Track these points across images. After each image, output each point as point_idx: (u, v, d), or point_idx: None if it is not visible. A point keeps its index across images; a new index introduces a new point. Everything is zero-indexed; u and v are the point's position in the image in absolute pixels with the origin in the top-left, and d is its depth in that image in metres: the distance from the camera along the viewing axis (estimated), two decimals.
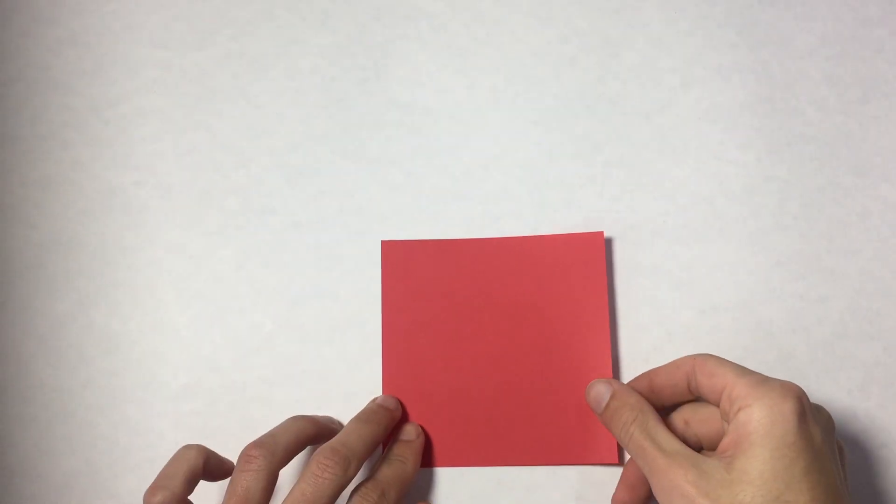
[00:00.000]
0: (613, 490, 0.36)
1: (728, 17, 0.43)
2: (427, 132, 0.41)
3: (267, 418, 0.37)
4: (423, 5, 0.43)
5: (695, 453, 0.31)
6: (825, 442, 0.30)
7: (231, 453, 0.36)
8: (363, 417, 0.35)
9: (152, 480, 0.32)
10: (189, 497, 0.32)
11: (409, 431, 0.37)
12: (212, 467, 0.34)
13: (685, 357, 0.34)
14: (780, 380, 0.31)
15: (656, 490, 0.31)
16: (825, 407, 0.33)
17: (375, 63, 0.42)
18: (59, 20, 0.42)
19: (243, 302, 0.39)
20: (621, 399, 0.34)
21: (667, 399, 0.35)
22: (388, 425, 0.36)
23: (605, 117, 0.42)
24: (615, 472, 0.37)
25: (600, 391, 0.35)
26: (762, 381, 0.31)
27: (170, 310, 0.38)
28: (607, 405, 0.35)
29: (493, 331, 0.38)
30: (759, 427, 0.30)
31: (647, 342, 0.38)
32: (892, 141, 0.42)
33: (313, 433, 0.35)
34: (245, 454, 0.32)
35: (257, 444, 0.33)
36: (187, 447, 0.33)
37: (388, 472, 0.34)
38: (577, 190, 0.40)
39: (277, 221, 0.40)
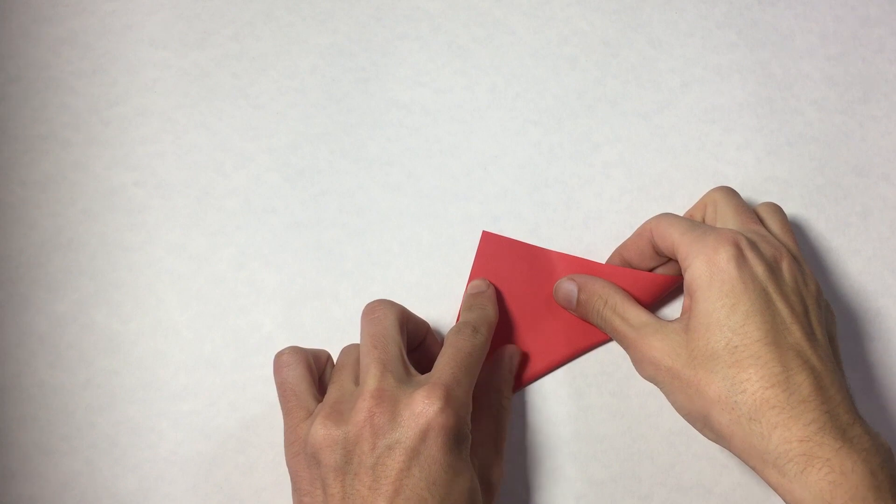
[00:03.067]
0: (613, 490, 0.36)
1: (728, 17, 0.43)
2: (427, 132, 0.41)
3: (267, 418, 0.37)
4: (423, 5, 0.43)
5: (659, 320, 0.33)
6: (771, 278, 0.31)
7: (231, 453, 0.36)
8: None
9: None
10: None
11: (478, 284, 0.38)
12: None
13: (645, 223, 0.36)
14: (718, 229, 0.33)
15: (633, 361, 0.34)
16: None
17: (375, 63, 0.42)
18: (59, 20, 0.42)
19: (243, 302, 0.39)
20: (588, 290, 0.36)
21: (643, 267, 0.37)
22: (491, 299, 0.37)
23: (605, 117, 0.42)
24: (615, 472, 0.37)
25: (568, 288, 0.37)
26: (701, 235, 0.32)
27: (170, 310, 0.38)
28: (577, 300, 0.36)
29: (551, 337, 0.38)
30: (700, 282, 0.31)
31: None
32: (892, 141, 0.42)
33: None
34: (367, 308, 0.34)
35: (376, 300, 0.34)
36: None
37: (472, 315, 0.35)
38: (576, 190, 0.40)
39: (277, 221, 0.40)
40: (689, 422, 0.32)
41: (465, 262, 0.39)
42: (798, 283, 0.32)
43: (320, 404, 0.32)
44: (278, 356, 0.34)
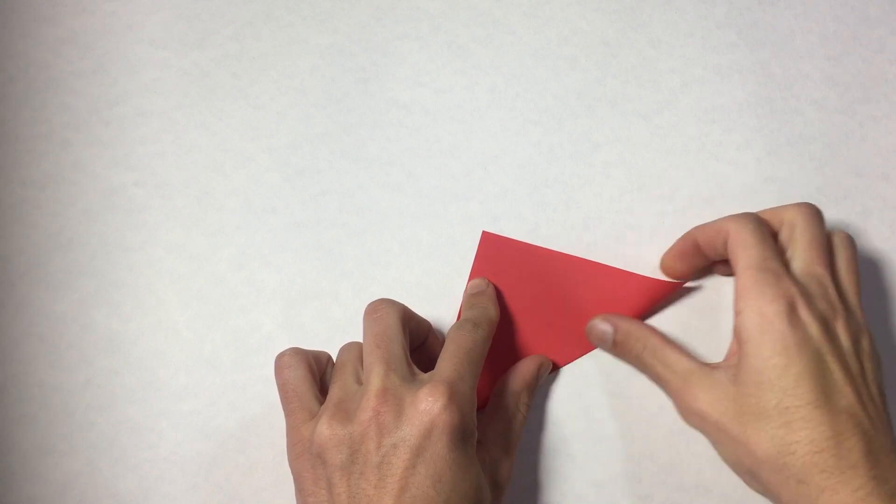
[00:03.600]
0: (613, 490, 0.36)
1: (728, 17, 0.43)
2: (427, 132, 0.41)
3: (267, 418, 0.37)
4: (423, 5, 0.43)
5: (703, 366, 0.32)
6: (826, 338, 0.30)
7: (231, 453, 0.36)
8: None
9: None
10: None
11: (478, 283, 0.37)
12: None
13: (726, 221, 0.34)
14: (778, 276, 0.31)
15: (677, 408, 0.33)
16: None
17: (375, 63, 0.42)
18: (59, 20, 0.42)
19: (243, 302, 0.39)
20: (624, 331, 0.36)
21: (712, 257, 0.36)
22: (492, 297, 0.37)
23: (605, 117, 0.42)
24: (615, 473, 0.37)
25: (603, 329, 0.36)
26: (761, 280, 0.31)
27: (170, 310, 0.38)
28: (614, 341, 0.36)
29: (552, 339, 0.38)
30: (751, 333, 0.31)
31: None
32: (892, 141, 0.42)
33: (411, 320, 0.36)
34: (370, 307, 0.34)
35: (379, 299, 0.34)
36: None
37: (472, 313, 0.35)
38: (576, 190, 0.40)
39: (277, 221, 0.40)
40: (734, 471, 0.32)
41: (465, 262, 0.39)
42: (854, 343, 0.31)
43: (324, 404, 0.32)
44: (279, 357, 0.34)
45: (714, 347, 0.38)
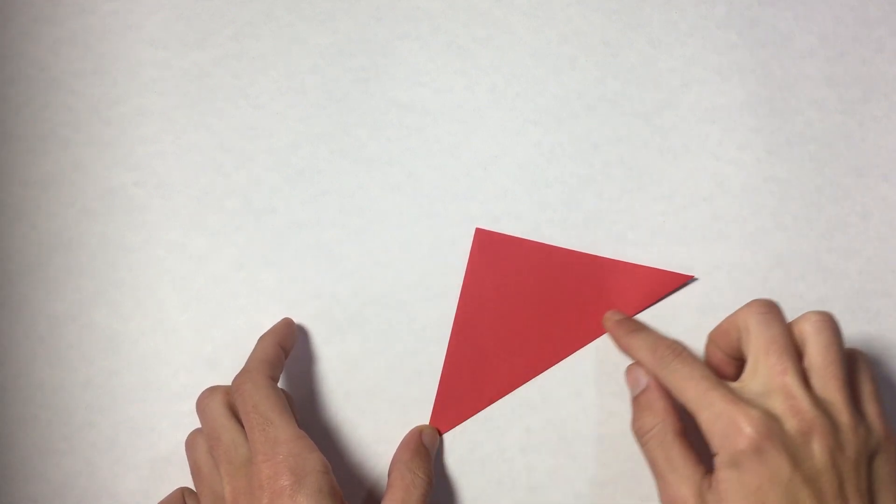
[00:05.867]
0: (613, 490, 0.36)
1: (728, 17, 0.43)
2: (427, 132, 0.41)
3: None
4: (423, 5, 0.43)
5: (700, 478, 0.31)
6: (796, 470, 0.29)
7: None
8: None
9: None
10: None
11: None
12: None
13: (739, 317, 0.33)
14: (736, 406, 0.30)
15: (660, 496, 0.33)
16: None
17: (375, 63, 0.42)
18: (59, 20, 0.42)
19: (243, 302, 0.39)
20: (650, 398, 0.34)
21: (731, 352, 0.35)
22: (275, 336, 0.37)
23: (605, 117, 0.42)
24: (614, 473, 0.37)
25: (638, 378, 0.35)
26: (716, 415, 0.30)
27: (170, 310, 0.38)
28: (638, 397, 0.35)
29: (550, 335, 0.38)
30: (725, 473, 0.30)
31: None
32: (892, 141, 0.42)
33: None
34: (196, 404, 0.34)
35: (238, 376, 0.34)
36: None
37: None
38: (576, 190, 0.40)
39: (277, 221, 0.40)
40: None
41: (465, 262, 0.39)
42: (833, 456, 0.29)
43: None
44: (186, 442, 0.35)
45: None
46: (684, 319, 0.39)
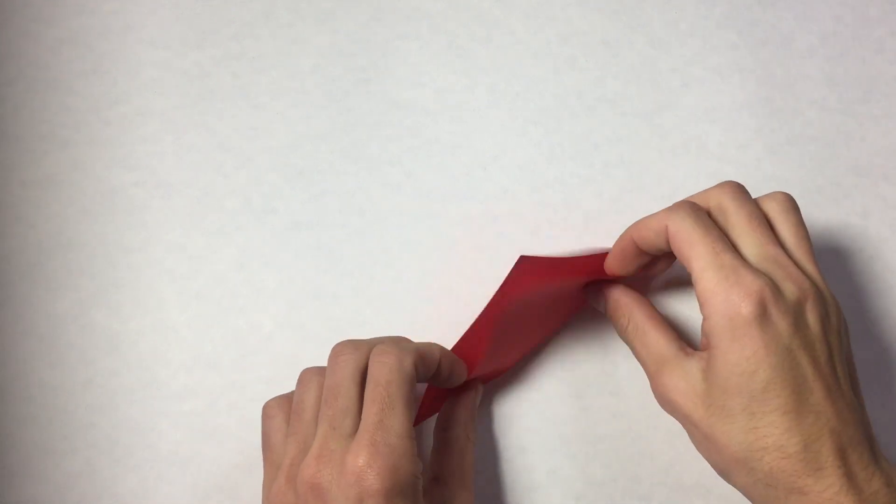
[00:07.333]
0: (613, 490, 0.36)
1: (728, 17, 0.43)
2: (427, 132, 0.41)
3: None
4: (423, 5, 0.43)
5: (679, 355, 0.32)
6: (796, 333, 0.29)
7: (231, 453, 0.36)
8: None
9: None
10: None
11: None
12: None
13: (662, 217, 0.32)
14: (741, 274, 0.30)
15: (652, 388, 0.33)
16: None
17: (375, 63, 0.42)
18: (59, 20, 0.42)
19: (243, 302, 0.39)
20: (613, 302, 0.35)
21: (656, 254, 0.34)
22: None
23: (605, 117, 0.42)
24: (615, 472, 0.37)
25: (600, 296, 0.36)
26: (723, 279, 0.30)
27: (170, 310, 0.38)
28: (606, 311, 0.36)
29: (550, 321, 0.37)
30: (719, 338, 0.30)
31: None
32: (892, 141, 0.42)
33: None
34: (332, 352, 0.32)
35: (310, 368, 0.33)
36: (309, 369, 0.33)
37: (403, 342, 0.33)
38: (576, 190, 0.41)
39: (277, 221, 0.40)
40: (710, 465, 0.32)
41: (466, 261, 0.39)
42: (823, 324, 0.30)
43: (282, 462, 0.31)
44: (264, 407, 0.34)
45: None
46: (684, 320, 0.39)
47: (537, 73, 0.42)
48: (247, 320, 0.38)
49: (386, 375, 0.30)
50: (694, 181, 0.41)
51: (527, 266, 0.32)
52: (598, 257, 0.36)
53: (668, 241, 0.32)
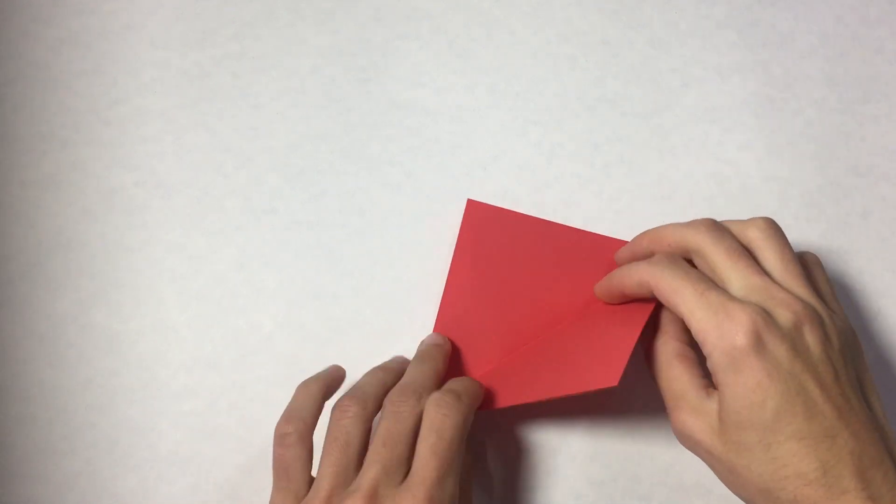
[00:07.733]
0: (613, 490, 0.36)
1: (728, 17, 0.43)
2: (427, 132, 0.41)
3: (267, 418, 0.37)
4: (423, 5, 0.43)
5: (699, 392, 0.31)
6: (797, 358, 0.29)
7: (230, 454, 0.36)
8: (420, 358, 0.35)
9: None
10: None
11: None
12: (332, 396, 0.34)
13: (642, 272, 0.32)
14: (729, 305, 0.30)
15: (671, 422, 0.32)
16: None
17: (375, 63, 0.42)
18: (59, 20, 0.42)
19: (243, 302, 0.39)
20: (662, 326, 0.34)
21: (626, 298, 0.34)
22: (443, 360, 0.36)
23: (605, 117, 0.42)
24: (615, 472, 0.37)
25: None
26: (712, 314, 0.30)
27: (170, 310, 0.38)
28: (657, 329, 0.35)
29: (541, 310, 0.37)
30: (724, 376, 0.30)
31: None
32: (892, 141, 0.42)
33: (393, 382, 0.34)
34: (339, 405, 0.32)
35: (349, 396, 0.33)
36: (307, 383, 0.34)
37: (454, 385, 0.34)
38: (576, 190, 0.40)
39: (277, 221, 0.40)
40: (738, 498, 0.31)
41: None
42: (824, 345, 0.30)
43: (314, 487, 0.30)
44: (280, 428, 0.32)
45: None
46: None
47: (537, 73, 0.42)
48: (247, 320, 0.38)
49: (450, 431, 0.31)
50: (694, 181, 0.41)
51: (477, 212, 0.36)
52: (573, 232, 0.37)
53: (651, 292, 0.33)
